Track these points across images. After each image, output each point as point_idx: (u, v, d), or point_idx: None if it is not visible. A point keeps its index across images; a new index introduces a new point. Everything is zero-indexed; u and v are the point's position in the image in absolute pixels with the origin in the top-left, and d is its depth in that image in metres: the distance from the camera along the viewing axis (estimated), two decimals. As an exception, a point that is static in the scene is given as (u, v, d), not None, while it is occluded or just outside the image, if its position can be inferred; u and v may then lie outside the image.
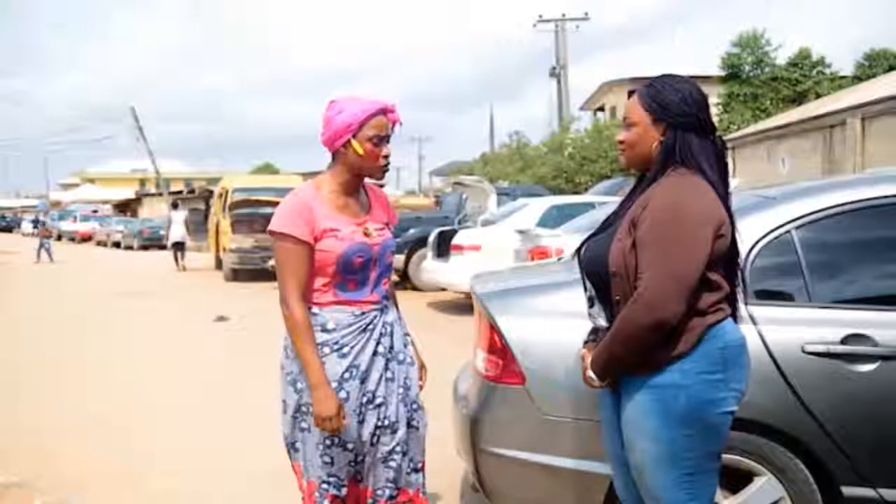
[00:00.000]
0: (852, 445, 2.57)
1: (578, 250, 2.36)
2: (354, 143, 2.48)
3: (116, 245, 33.78)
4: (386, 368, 2.60)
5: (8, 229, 57.97)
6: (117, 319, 10.93)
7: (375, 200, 2.69)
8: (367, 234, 2.56)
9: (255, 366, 7.32)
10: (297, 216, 2.48)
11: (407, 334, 2.75)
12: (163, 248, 31.31)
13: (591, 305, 2.28)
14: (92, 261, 25.66)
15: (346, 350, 2.53)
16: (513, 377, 2.79)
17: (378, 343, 2.59)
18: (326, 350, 2.52)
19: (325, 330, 2.53)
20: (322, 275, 2.52)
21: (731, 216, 2.12)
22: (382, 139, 2.50)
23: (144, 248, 31.46)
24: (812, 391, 2.56)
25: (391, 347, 2.63)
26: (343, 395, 2.50)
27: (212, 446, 4.85)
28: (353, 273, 2.53)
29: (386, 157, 2.54)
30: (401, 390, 2.63)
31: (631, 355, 2.07)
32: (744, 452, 2.60)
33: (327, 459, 2.56)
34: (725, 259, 2.15)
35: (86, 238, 39.84)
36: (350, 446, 2.55)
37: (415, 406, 2.69)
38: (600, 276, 2.18)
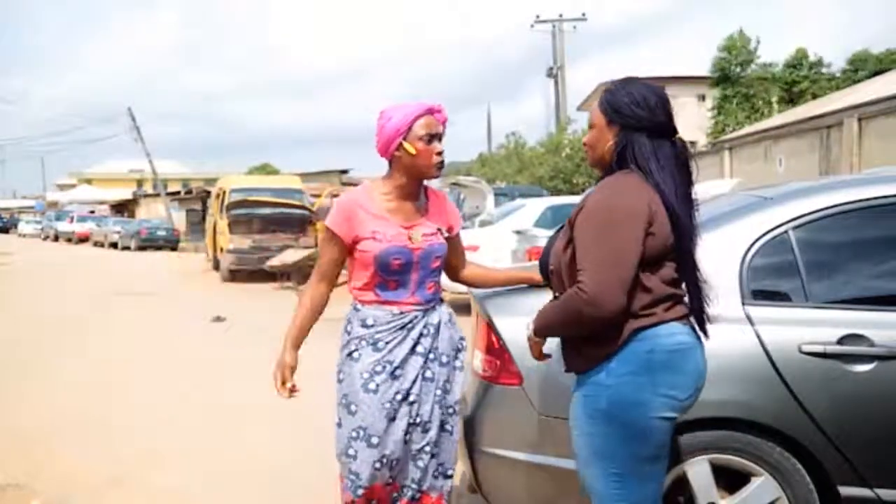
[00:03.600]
0: (849, 445, 2.57)
1: None
2: (406, 144, 2.58)
3: (114, 246, 33.72)
4: (426, 368, 2.67)
5: (5, 230, 57.85)
6: (115, 320, 10.91)
7: (435, 206, 2.77)
8: (410, 239, 2.63)
9: (254, 366, 7.30)
10: (342, 214, 2.65)
11: (462, 338, 2.81)
12: (159, 248, 31.35)
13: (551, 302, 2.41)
14: (90, 264, 25.59)
15: (380, 345, 2.64)
16: (510, 377, 2.80)
17: (417, 342, 2.66)
18: (364, 344, 2.65)
19: (364, 325, 2.66)
20: (365, 274, 2.66)
21: (678, 219, 2.11)
22: (434, 137, 2.61)
23: (142, 248, 31.39)
24: (809, 391, 2.57)
25: (433, 348, 2.69)
26: (372, 386, 2.61)
27: (212, 446, 4.85)
28: (392, 274, 2.63)
29: (439, 153, 2.62)
30: (438, 391, 2.69)
31: (564, 331, 2.22)
32: (741, 453, 2.61)
33: (351, 452, 2.62)
34: (668, 261, 2.15)
35: (83, 238, 39.75)
36: (374, 441, 2.59)
37: (451, 410, 2.74)
38: (546, 273, 2.34)
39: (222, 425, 5.36)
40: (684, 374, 2.14)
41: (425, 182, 2.73)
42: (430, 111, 2.62)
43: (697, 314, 2.24)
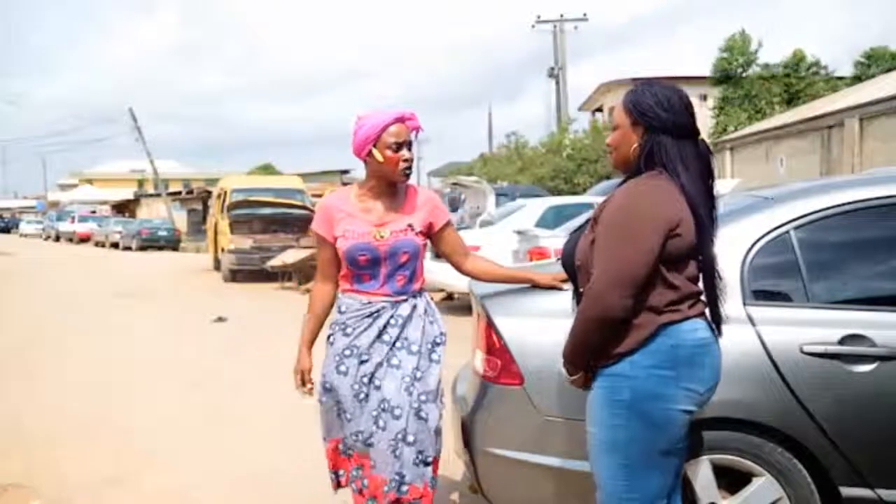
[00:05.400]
0: (850, 446, 2.57)
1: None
2: (375, 151, 2.76)
3: (115, 246, 33.74)
4: (392, 355, 2.82)
5: (6, 230, 57.87)
6: (116, 320, 10.91)
7: (410, 203, 2.89)
8: (379, 236, 2.80)
9: (255, 366, 7.33)
10: (321, 217, 2.91)
11: (443, 333, 2.94)
12: (161, 249, 31.37)
13: (573, 298, 2.42)
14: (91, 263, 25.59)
15: (349, 330, 2.85)
16: (511, 378, 2.80)
17: (383, 331, 2.83)
18: (337, 329, 2.89)
19: (339, 312, 2.91)
20: (344, 268, 2.89)
21: (698, 217, 2.14)
22: (401, 145, 2.76)
23: (143, 248, 31.39)
24: (810, 392, 2.57)
25: (401, 338, 2.84)
26: (343, 368, 2.84)
27: (212, 447, 4.85)
28: (361, 268, 2.83)
29: (406, 160, 2.79)
30: (406, 379, 2.81)
31: (586, 346, 2.19)
32: (742, 453, 2.61)
33: (341, 422, 2.89)
34: (693, 259, 2.19)
35: (84, 239, 39.77)
36: (348, 416, 2.85)
37: (424, 398, 2.83)
38: (571, 270, 2.35)
39: (223, 426, 5.35)
40: (705, 368, 2.18)
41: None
42: (402, 119, 2.78)
43: (713, 312, 2.27)
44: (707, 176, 2.22)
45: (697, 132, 2.24)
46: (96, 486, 4.18)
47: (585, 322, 2.14)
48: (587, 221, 2.35)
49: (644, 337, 2.13)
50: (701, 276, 2.24)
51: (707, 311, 2.26)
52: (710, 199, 2.21)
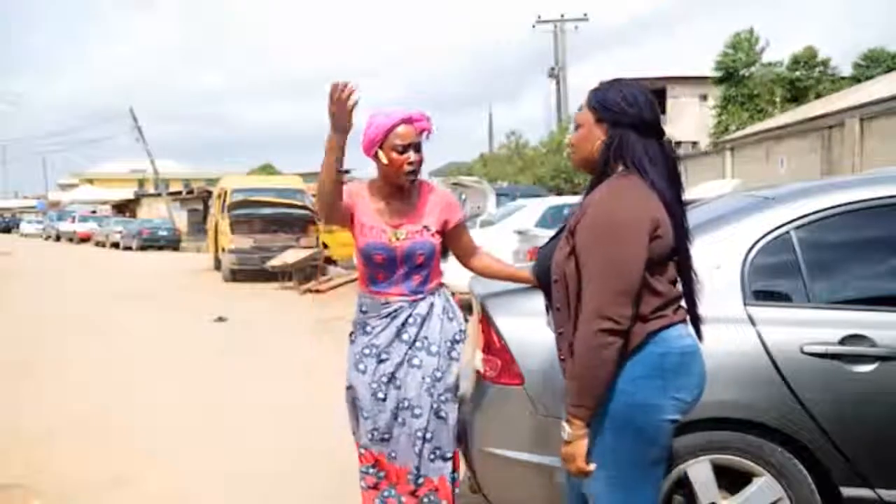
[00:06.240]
0: (851, 446, 2.57)
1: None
2: (381, 152, 2.76)
3: (115, 246, 33.72)
4: (412, 355, 2.83)
5: (7, 230, 57.88)
6: (116, 320, 10.90)
7: (424, 203, 2.89)
8: (394, 237, 2.80)
9: (255, 366, 7.33)
10: (350, 189, 2.86)
11: (462, 331, 2.96)
12: (161, 248, 31.35)
13: (547, 312, 2.33)
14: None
15: (368, 329, 2.88)
16: (512, 378, 2.79)
17: (402, 330, 2.84)
18: (358, 328, 2.93)
19: (360, 311, 2.93)
20: (360, 266, 2.92)
21: (675, 219, 2.09)
22: (407, 147, 2.74)
23: (143, 248, 31.36)
24: (811, 392, 2.57)
25: (421, 337, 2.85)
26: (362, 367, 2.87)
27: (212, 447, 4.85)
28: (377, 267, 2.85)
29: (411, 163, 2.76)
30: (427, 380, 2.84)
31: (600, 368, 2.01)
32: (743, 453, 2.61)
33: (359, 422, 2.90)
34: (671, 262, 2.13)
35: (84, 239, 39.73)
36: (366, 414, 2.85)
37: (443, 398, 2.86)
38: (546, 283, 2.26)
39: (223, 426, 5.35)
40: (692, 376, 2.12)
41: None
42: (409, 121, 2.75)
43: (692, 314, 2.21)
44: (674, 176, 2.14)
45: (662, 132, 2.17)
46: (96, 486, 4.18)
47: (592, 340, 1.99)
48: (559, 231, 2.29)
49: (634, 346, 2.05)
50: (679, 278, 2.17)
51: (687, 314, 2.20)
52: (679, 199, 2.13)
